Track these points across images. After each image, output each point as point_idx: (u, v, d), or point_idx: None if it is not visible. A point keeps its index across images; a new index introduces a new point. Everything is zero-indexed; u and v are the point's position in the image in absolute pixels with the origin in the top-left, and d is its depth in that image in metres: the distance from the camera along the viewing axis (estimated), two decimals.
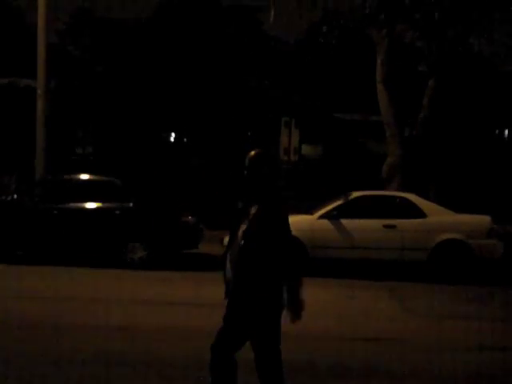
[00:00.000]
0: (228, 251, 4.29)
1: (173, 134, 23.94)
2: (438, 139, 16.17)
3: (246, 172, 4.24)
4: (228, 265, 4.24)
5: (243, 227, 4.19)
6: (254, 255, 4.10)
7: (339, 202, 11.89)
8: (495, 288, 10.81)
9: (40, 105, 15.16)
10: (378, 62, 14.92)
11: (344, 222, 11.58)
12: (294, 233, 4.34)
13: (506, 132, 22.26)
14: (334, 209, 11.74)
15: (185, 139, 23.92)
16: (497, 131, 22.33)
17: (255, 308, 4.13)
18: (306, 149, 21.70)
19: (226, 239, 4.53)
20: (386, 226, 11.51)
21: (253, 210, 4.19)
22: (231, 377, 4.28)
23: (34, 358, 6.13)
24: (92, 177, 12.27)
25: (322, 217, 11.64)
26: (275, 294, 4.15)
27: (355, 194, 12.05)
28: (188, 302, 8.86)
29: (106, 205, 11.83)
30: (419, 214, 11.61)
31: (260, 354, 4.16)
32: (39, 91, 15.29)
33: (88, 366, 5.90)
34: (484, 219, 11.62)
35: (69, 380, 5.58)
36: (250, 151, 4.31)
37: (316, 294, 9.66)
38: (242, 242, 4.14)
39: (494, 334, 7.71)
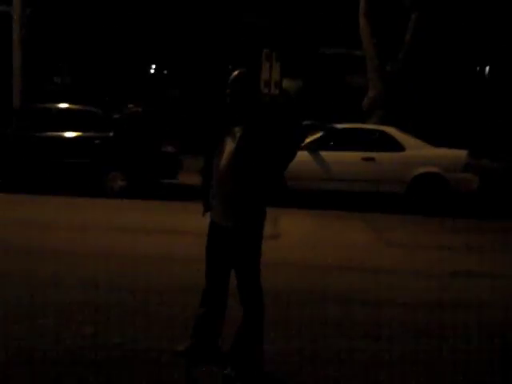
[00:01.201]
0: (207, 172, 4.31)
1: (153, 66, 23.64)
2: (420, 74, 16.16)
3: (228, 91, 4.18)
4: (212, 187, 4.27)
5: (228, 146, 4.15)
6: (247, 174, 4.10)
7: (319, 135, 11.95)
8: (469, 220, 11.06)
9: (16, 31, 14.87)
10: None
11: (323, 154, 11.68)
12: None
13: (487, 69, 22.25)
14: (313, 141, 11.81)
15: (165, 71, 23.64)
16: (478, 68, 22.31)
17: (243, 229, 4.17)
18: (286, 83, 21.55)
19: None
20: (364, 159, 11.62)
21: (237, 130, 4.15)
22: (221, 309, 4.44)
23: (17, 282, 6.20)
24: (71, 106, 12.18)
25: (301, 149, 11.69)
26: (262, 215, 4.23)
27: (335, 127, 12.11)
28: (168, 230, 8.97)
29: (86, 134, 11.78)
30: (398, 147, 11.72)
31: (243, 280, 4.23)
32: (15, 17, 14.96)
33: (75, 290, 5.98)
34: (460, 153, 11.76)
35: (58, 304, 5.66)
36: (233, 72, 4.27)
37: (293, 224, 9.84)
38: (232, 161, 4.11)
39: (466, 262, 7.93)
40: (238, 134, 4.14)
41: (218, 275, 4.36)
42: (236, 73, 4.24)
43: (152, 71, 23.42)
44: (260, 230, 4.27)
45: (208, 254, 4.37)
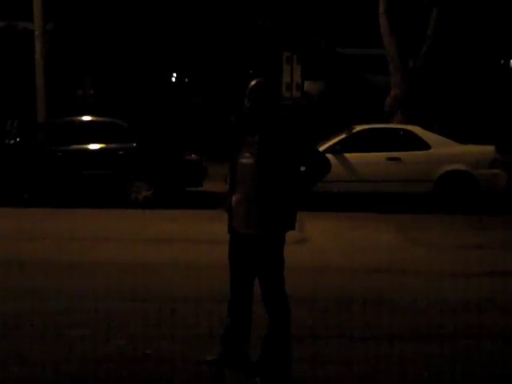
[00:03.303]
0: (233, 183, 4.23)
1: (174, 74, 23.73)
2: (442, 70, 15.97)
3: (247, 101, 4.11)
4: (237, 196, 4.19)
5: (248, 155, 4.11)
6: (270, 182, 4.06)
7: (342, 136, 11.86)
8: (499, 217, 10.88)
9: (38, 47, 15.01)
10: None
11: (347, 155, 11.57)
12: None
13: (511, 62, 21.94)
14: (337, 143, 11.72)
15: (186, 79, 23.72)
16: (502, 61, 22.01)
17: (268, 236, 4.12)
18: (308, 85, 21.49)
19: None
20: (389, 159, 11.50)
21: (256, 139, 4.10)
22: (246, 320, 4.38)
23: (47, 295, 6.23)
24: (94, 118, 12.27)
25: (325, 151, 11.60)
26: (289, 222, 4.18)
27: (358, 128, 12.01)
28: (194, 239, 8.95)
29: (110, 145, 11.84)
30: (423, 145, 11.58)
31: (267, 288, 4.17)
32: (37, 32, 15.10)
33: (101, 301, 5.99)
34: (488, 149, 11.59)
35: (84, 314, 5.68)
36: (251, 81, 4.18)
37: (320, 227, 9.75)
38: (254, 170, 4.06)
39: (496, 261, 7.79)
40: (256, 143, 4.10)
41: (242, 285, 4.31)
42: (254, 83, 4.14)
43: (173, 79, 23.52)
44: (283, 236, 4.22)
45: (231, 264, 4.32)
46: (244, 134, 4.17)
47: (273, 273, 4.17)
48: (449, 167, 11.34)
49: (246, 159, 4.11)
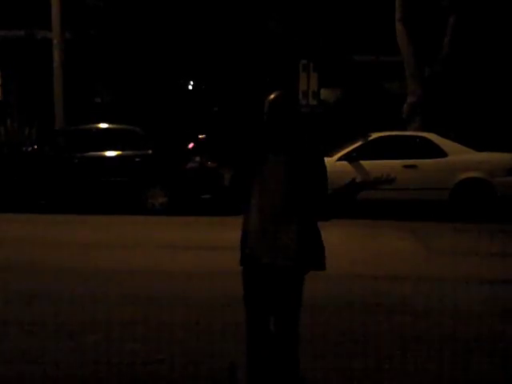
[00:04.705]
0: (247, 208, 3.76)
1: (191, 82, 23.85)
2: (459, 78, 15.90)
3: (266, 116, 3.73)
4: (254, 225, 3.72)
5: (274, 175, 3.69)
6: (301, 208, 3.68)
7: (358, 144, 11.84)
8: None
9: (56, 55, 15.17)
10: None
11: (363, 163, 11.55)
12: None
13: None
14: (353, 150, 11.71)
15: (203, 86, 23.81)
16: None
17: (303, 267, 3.72)
18: (324, 93, 21.49)
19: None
20: (406, 167, 11.46)
21: (282, 159, 3.69)
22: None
23: (59, 300, 6.27)
24: (111, 125, 12.37)
25: (340, 159, 11.61)
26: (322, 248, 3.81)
27: (374, 135, 11.99)
28: (209, 246, 8.96)
29: (126, 152, 11.92)
30: (440, 153, 11.53)
31: (283, 326, 3.75)
32: (55, 41, 15.26)
33: (117, 307, 6.02)
34: (505, 157, 11.52)
35: (97, 318, 5.71)
36: (270, 94, 3.81)
37: (338, 234, 9.72)
38: (283, 192, 3.66)
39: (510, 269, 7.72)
40: (282, 164, 3.70)
41: (263, 324, 3.79)
42: (274, 96, 3.76)
43: (190, 87, 23.61)
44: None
45: (251, 300, 3.79)
46: (266, 152, 3.74)
47: (295, 308, 3.76)
48: (465, 175, 11.27)
49: (271, 179, 3.70)
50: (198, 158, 12.15)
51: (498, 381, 4.60)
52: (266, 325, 3.78)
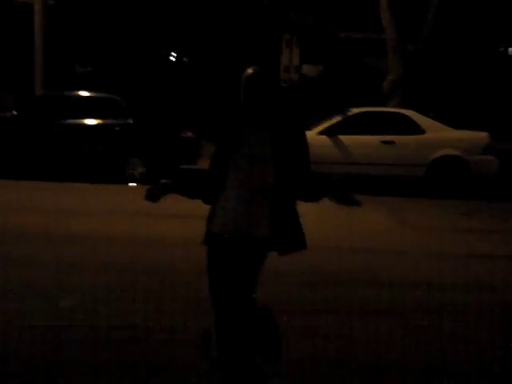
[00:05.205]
0: (218, 187, 3.65)
1: (174, 54, 23.74)
2: (441, 56, 16.01)
3: (243, 92, 3.61)
4: (229, 204, 3.61)
5: (244, 155, 3.58)
6: (287, 180, 3.61)
7: (338, 119, 11.93)
8: (489, 203, 10.98)
9: (37, 21, 15.04)
10: None
11: (342, 138, 11.65)
12: None
13: (510, 50, 21.95)
14: (332, 125, 11.80)
15: (185, 58, 23.72)
16: (501, 49, 22.02)
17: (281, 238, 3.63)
18: (306, 68, 21.53)
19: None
20: (384, 142, 11.58)
21: (253, 135, 3.59)
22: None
23: (46, 266, 6.30)
24: (92, 93, 12.33)
25: (320, 133, 11.70)
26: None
27: (354, 111, 12.09)
28: (186, 215, 9.02)
29: (106, 121, 11.91)
30: (418, 130, 11.67)
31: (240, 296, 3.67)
32: (36, 7, 15.12)
33: (93, 273, 6.13)
34: (481, 135, 11.69)
35: (83, 286, 5.79)
36: (246, 69, 3.65)
37: (313, 207, 9.84)
38: (266, 168, 3.57)
39: (483, 244, 7.89)
40: (262, 140, 3.60)
41: (229, 298, 3.67)
42: (251, 72, 3.61)
43: (173, 59, 23.50)
44: None
45: (216, 275, 3.70)
46: (244, 128, 3.63)
47: (252, 278, 3.68)
48: (442, 152, 11.43)
49: (251, 156, 3.58)
50: (178, 129, 12.18)
51: (461, 342, 4.75)
52: (231, 298, 3.65)
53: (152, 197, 3.85)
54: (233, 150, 3.61)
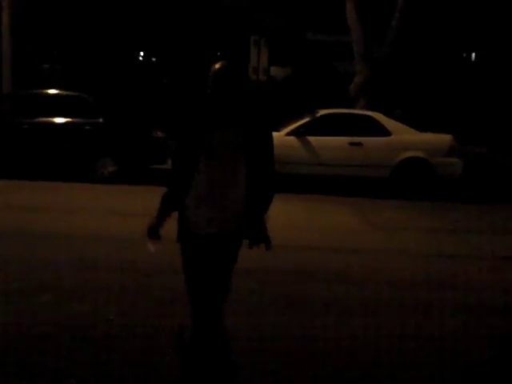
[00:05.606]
0: (182, 184, 3.61)
1: (141, 53, 23.72)
2: (406, 60, 16.30)
3: (210, 87, 3.57)
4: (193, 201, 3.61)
5: (224, 147, 3.56)
6: (255, 176, 3.59)
7: (306, 120, 12.12)
8: (453, 204, 11.28)
9: (5, 18, 14.92)
10: None
11: (310, 138, 11.84)
12: None
13: (473, 55, 22.44)
14: (300, 126, 11.98)
15: (153, 58, 23.72)
16: (464, 54, 22.50)
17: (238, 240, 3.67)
18: (275, 70, 21.70)
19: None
20: (351, 144, 11.80)
21: (221, 132, 3.56)
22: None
23: (15, 264, 6.33)
24: (62, 91, 12.31)
25: (289, 134, 11.88)
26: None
27: (322, 112, 12.28)
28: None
29: (76, 120, 11.91)
30: (384, 132, 11.90)
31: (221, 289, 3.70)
32: (3, 3, 15.02)
33: (66, 270, 6.18)
34: (445, 138, 11.97)
35: (45, 280, 5.85)
36: (214, 64, 3.61)
37: (280, 207, 9.98)
38: (236, 164, 3.57)
39: (445, 243, 8.13)
40: (230, 137, 3.57)
41: (210, 293, 3.67)
42: (217, 66, 3.58)
43: (140, 58, 23.48)
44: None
45: (195, 271, 3.69)
46: (211, 124, 3.59)
47: (230, 272, 3.73)
48: (407, 154, 11.68)
49: (219, 153, 3.56)
50: (148, 128, 12.24)
51: (433, 337, 4.95)
52: (209, 293, 3.67)
53: (154, 234, 3.79)
54: (199, 145, 3.55)
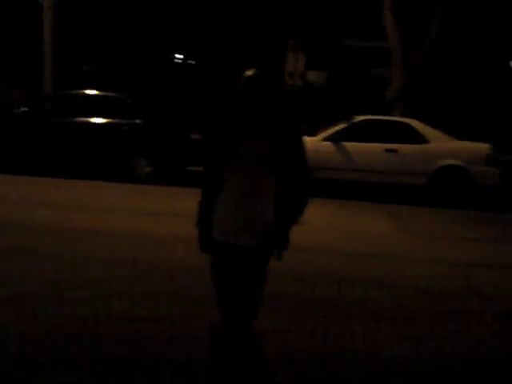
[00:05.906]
0: (212, 195, 3.56)
1: (181, 56, 23.95)
2: (445, 66, 16.18)
3: (241, 95, 3.44)
4: (226, 209, 3.52)
5: (242, 163, 3.45)
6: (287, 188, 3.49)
7: (343, 125, 12.11)
8: (490, 213, 11.16)
9: (47, 19, 15.19)
10: None
11: (347, 144, 11.83)
12: None
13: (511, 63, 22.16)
14: (337, 131, 11.97)
15: (192, 61, 23.93)
16: (511, 62, 22.18)
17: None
18: (312, 74, 21.71)
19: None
20: (387, 150, 11.75)
21: (248, 144, 3.44)
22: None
23: (46, 257, 6.47)
24: (101, 92, 12.51)
25: (325, 139, 11.88)
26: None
27: (358, 118, 12.26)
28: (191, 214, 9.17)
29: (114, 120, 12.07)
30: (420, 139, 11.83)
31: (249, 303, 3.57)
32: (45, 5, 15.29)
33: (101, 266, 6.28)
34: (483, 146, 11.86)
35: (83, 276, 5.95)
36: (246, 71, 3.46)
37: (316, 212, 9.99)
38: (266, 176, 3.46)
39: (483, 252, 8.05)
40: (258, 147, 3.45)
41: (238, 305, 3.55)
42: (250, 73, 3.44)
43: (179, 61, 23.69)
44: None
45: (225, 283, 3.56)
46: (239, 133, 3.48)
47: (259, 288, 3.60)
48: (444, 162, 11.59)
49: (249, 163, 3.46)
50: (185, 130, 12.35)
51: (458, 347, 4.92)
52: (236, 307, 3.55)
53: (207, 249, 3.64)
54: (226, 153, 3.46)
